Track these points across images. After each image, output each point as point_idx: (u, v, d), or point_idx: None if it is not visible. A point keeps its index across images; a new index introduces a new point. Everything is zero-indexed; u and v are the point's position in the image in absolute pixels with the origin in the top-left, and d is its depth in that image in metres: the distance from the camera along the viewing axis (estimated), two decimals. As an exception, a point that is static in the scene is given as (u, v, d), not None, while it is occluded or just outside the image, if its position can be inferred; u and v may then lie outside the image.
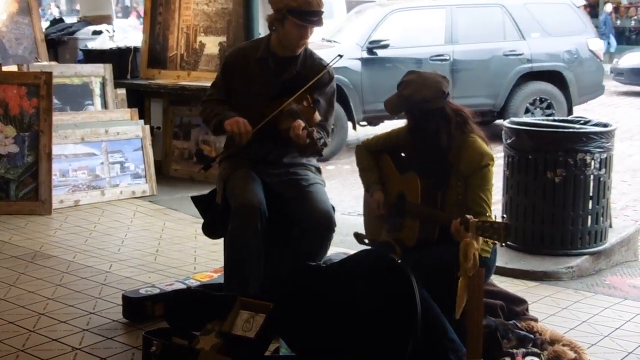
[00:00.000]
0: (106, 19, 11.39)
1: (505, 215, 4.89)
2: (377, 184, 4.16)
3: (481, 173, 3.85)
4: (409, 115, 3.97)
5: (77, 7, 20.83)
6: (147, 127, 7.79)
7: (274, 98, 4.17)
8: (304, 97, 4.12)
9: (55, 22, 12.03)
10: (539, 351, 3.85)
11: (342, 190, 8.41)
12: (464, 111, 3.96)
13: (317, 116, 4.13)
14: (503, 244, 3.53)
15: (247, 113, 4.16)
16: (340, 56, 4.40)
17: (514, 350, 3.78)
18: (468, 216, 3.54)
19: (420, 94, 3.82)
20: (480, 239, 3.49)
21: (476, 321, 3.53)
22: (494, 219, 3.68)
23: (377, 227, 4.18)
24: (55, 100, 7.30)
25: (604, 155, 5.48)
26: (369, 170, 4.22)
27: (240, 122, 4.10)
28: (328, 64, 4.29)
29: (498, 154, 4.55)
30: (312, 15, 4.09)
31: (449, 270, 3.57)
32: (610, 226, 5.80)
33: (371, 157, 4.23)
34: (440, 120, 3.86)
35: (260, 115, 4.14)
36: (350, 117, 10.45)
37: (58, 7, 41.42)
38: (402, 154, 4.18)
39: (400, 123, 4.23)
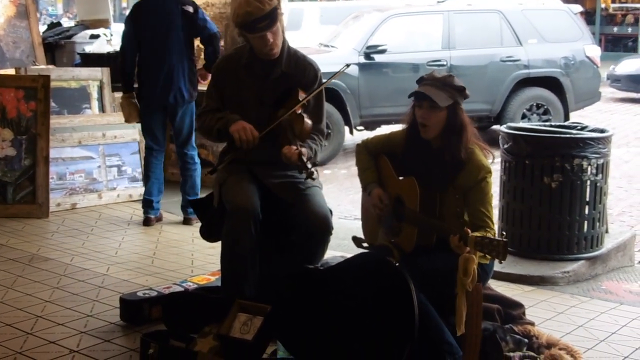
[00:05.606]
0: (104, 23, 11.42)
1: (504, 233, 4.90)
2: (375, 183, 4.17)
3: (479, 187, 3.86)
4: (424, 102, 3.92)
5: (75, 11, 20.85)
6: (144, 130, 7.78)
7: (268, 102, 4.20)
8: (296, 105, 4.12)
9: (53, 25, 12.07)
10: (535, 355, 3.87)
11: (339, 195, 8.41)
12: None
13: (308, 121, 4.11)
14: (502, 262, 3.53)
15: (242, 118, 4.17)
16: (348, 65, 4.39)
17: (511, 354, 3.80)
18: (467, 230, 3.55)
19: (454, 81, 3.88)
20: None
21: (474, 335, 3.53)
22: (496, 231, 3.70)
23: (374, 230, 4.18)
24: (52, 104, 7.31)
25: (601, 161, 5.50)
26: (368, 169, 4.21)
27: (247, 129, 4.10)
28: (338, 72, 4.30)
29: (495, 159, 4.56)
30: (258, 22, 4.08)
31: (447, 277, 3.57)
32: (607, 231, 5.81)
33: (370, 158, 4.23)
34: (459, 121, 3.89)
35: (258, 124, 4.15)
36: (347, 122, 10.40)
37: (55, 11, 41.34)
38: (401, 157, 4.18)
39: (398, 127, 4.24)
